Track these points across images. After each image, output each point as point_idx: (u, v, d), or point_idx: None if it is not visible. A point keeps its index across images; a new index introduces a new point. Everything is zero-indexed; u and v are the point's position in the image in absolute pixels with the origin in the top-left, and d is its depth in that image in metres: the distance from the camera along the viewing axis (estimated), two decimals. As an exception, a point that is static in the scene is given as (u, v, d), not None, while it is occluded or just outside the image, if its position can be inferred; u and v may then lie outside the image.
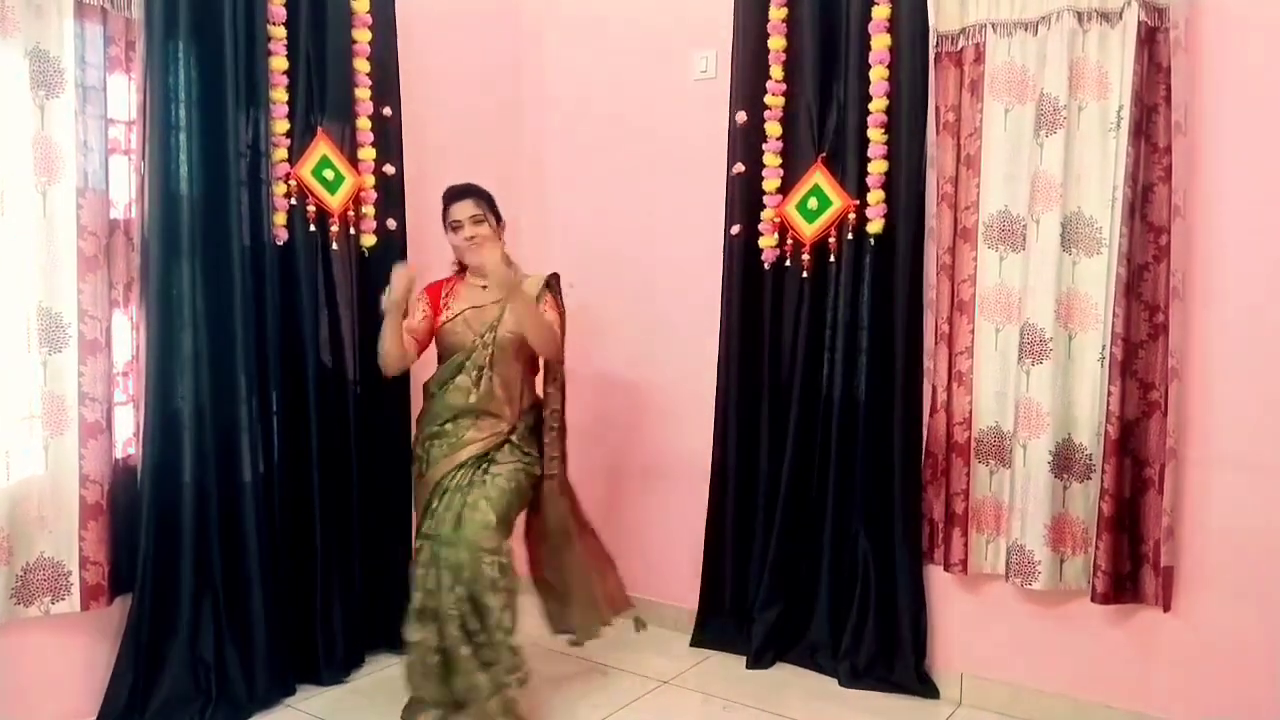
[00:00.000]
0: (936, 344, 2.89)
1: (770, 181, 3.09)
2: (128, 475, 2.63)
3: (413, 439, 2.87)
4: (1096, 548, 2.60)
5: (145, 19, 2.53)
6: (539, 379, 2.88)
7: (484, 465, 2.68)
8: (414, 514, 3.04)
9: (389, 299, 2.60)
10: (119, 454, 2.62)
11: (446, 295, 2.81)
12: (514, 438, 2.72)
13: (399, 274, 2.61)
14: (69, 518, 2.47)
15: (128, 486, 2.62)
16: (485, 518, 2.55)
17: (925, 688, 2.95)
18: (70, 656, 2.56)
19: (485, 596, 2.48)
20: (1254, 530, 2.50)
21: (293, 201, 2.89)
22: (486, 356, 2.68)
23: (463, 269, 2.85)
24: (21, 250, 2.39)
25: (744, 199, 3.15)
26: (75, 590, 2.49)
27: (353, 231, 3.04)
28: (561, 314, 2.82)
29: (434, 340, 2.82)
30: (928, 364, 2.91)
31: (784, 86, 3.08)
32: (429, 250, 3.36)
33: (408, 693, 2.63)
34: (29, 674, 2.48)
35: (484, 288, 2.74)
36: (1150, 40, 2.52)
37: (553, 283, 2.84)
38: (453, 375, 2.72)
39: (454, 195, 2.76)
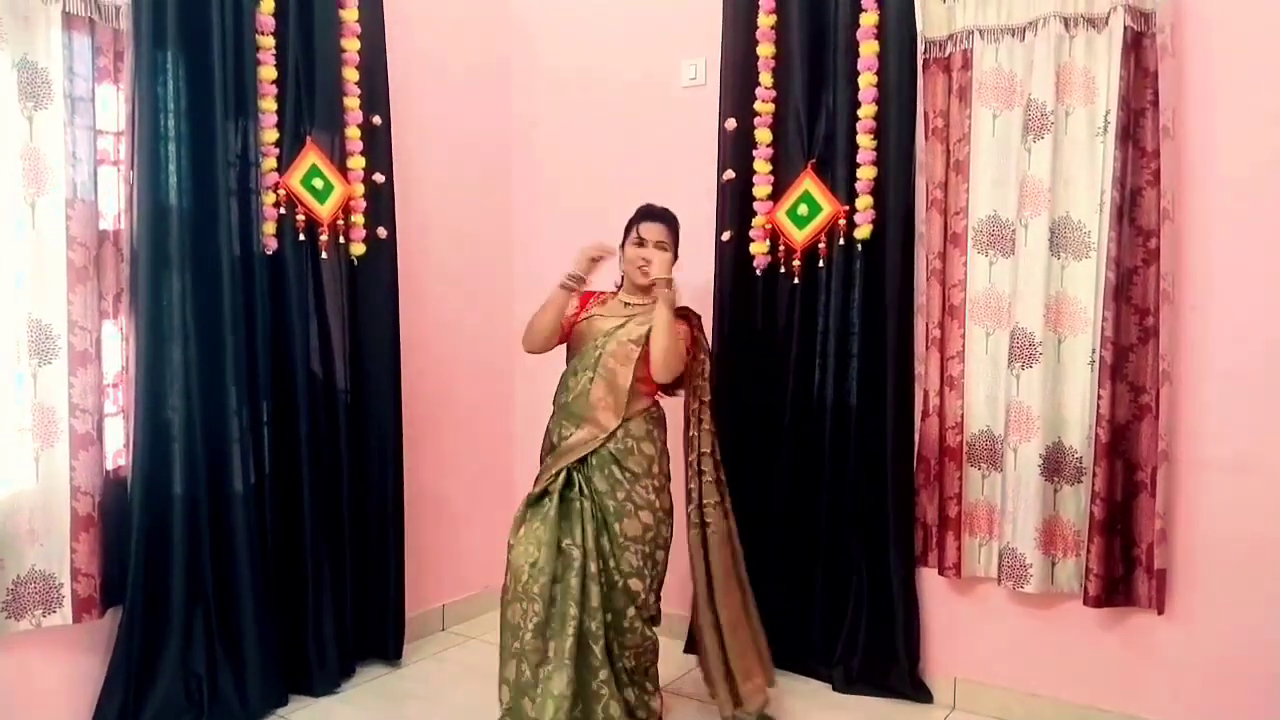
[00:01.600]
0: (928, 349, 2.90)
1: (761, 188, 3.10)
2: (118, 487, 2.62)
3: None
4: (1088, 551, 2.61)
5: (133, 29, 2.53)
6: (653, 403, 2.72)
7: (589, 487, 2.57)
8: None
9: (579, 267, 2.63)
10: (110, 465, 2.61)
11: (594, 302, 2.77)
12: (612, 447, 2.59)
13: (597, 248, 2.64)
14: (60, 530, 2.47)
15: (119, 498, 2.61)
16: (633, 589, 2.60)
17: (919, 692, 2.96)
18: (62, 669, 2.55)
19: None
20: (1247, 532, 2.50)
21: (282, 211, 2.88)
22: (595, 357, 2.62)
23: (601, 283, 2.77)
24: (10, 262, 2.38)
25: (735, 205, 3.16)
26: (67, 603, 2.48)
27: (342, 240, 3.04)
28: (696, 342, 2.72)
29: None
30: (919, 369, 2.91)
31: (773, 93, 3.09)
32: (418, 259, 3.37)
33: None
34: (20, 687, 2.46)
35: (627, 304, 2.71)
36: (1136, 45, 2.53)
37: (691, 317, 2.73)
38: (570, 376, 2.68)
39: (651, 215, 2.71)
